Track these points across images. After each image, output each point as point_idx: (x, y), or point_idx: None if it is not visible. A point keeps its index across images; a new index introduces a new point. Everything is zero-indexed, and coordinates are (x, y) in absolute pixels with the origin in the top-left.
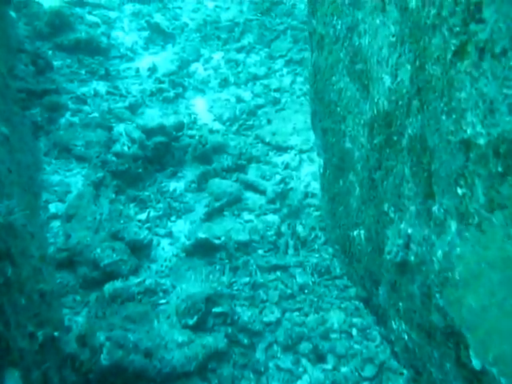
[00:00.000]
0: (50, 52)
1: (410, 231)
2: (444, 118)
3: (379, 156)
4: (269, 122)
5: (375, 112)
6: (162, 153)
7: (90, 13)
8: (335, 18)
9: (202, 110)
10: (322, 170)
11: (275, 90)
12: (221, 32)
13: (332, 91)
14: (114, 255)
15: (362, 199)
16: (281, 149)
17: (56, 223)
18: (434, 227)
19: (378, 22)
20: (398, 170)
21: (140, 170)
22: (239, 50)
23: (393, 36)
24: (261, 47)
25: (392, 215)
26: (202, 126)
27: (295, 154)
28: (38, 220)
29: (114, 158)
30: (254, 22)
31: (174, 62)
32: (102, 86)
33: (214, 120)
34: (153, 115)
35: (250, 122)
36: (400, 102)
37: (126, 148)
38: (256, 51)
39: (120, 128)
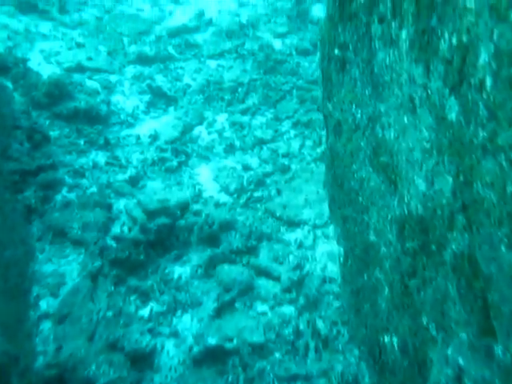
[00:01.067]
0: (48, 122)
1: (461, 362)
2: (504, 250)
3: (413, 262)
4: (279, 192)
5: (406, 212)
6: (165, 235)
7: (90, 78)
8: (354, 106)
9: (207, 180)
10: (342, 260)
11: (284, 156)
12: (224, 93)
13: (352, 179)
14: (112, 372)
15: (393, 303)
16: (293, 224)
17: (47, 324)
18: (497, 371)
19: (405, 120)
20: (439, 285)
21: (142, 257)
22: (244, 112)
23: (427, 142)
24: (266, 108)
25: (434, 333)
26: (208, 199)
27: (309, 231)
28: (25, 326)
29: (113, 243)
30: (258, 81)
31: (177, 128)
32: (101, 157)
33: (221, 191)
34: (155, 189)
35: (259, 193)
36: (439, 212)
37: (126, 229)
38: (261, 112)
39: (120, 205)
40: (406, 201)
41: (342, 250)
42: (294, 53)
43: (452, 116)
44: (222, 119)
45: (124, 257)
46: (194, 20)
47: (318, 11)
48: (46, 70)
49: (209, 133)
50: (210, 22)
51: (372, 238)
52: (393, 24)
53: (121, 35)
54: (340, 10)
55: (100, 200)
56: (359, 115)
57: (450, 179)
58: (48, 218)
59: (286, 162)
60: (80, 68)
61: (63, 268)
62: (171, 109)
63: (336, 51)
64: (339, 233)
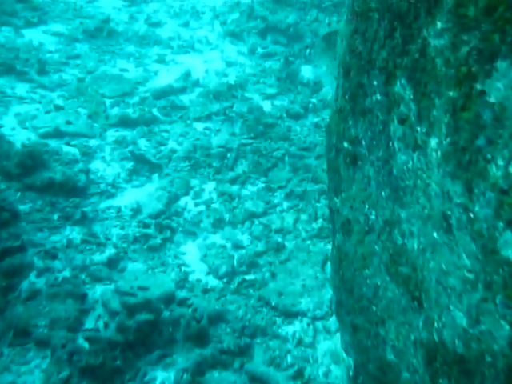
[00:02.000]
0: (19, 194)
1: None
2: None
3: None
4: (273, 276)
5: (436, 339)
6: (146, 333)
7: (68, 144)
8: (367, 206)
9: (194, 260)
10: (351, 373)
11: (277, 232)
12: (212, 159)
13: (364, 285)
14: None
15: None
16: (290, 315)
17: None
18: None
19: (436, 236)
20: None
21: (118, 362)
22: (233, 181)
23: (469, 271)
24: (257, 176)
25: None
26: (195, 283)
27: (308, 324)
28: None
29: (85, 345)
30: (248, 147)
31: (161, 199)
32: (76, 233)
33: (209, 273)
34: (136, 272)
35: (252, 277)
36: (488, 359)
37: (101, 324)
38: (252, 181)
39: (96, 293)
40: (436, 326)
41: (350, 361)
42: (284, 116)
43: (508, 253)
44: (209, 188)
45: (97, 363)
46: (181, 80)
47: (308, 72)
48: (20, 135)
49: (196, 204)
50: (196, 83)
51: (390, 356)
52: (418, 128)
53: (103, 97)
54: (351, 103)
55: (73, 289)
56: (373, 216)
57: (507, 327)
58: (10, 312)
59: (280, 239)
60: (58, 133)
61: (23, 379)
62: (155, 176)
63: (345, 144)
64: (347, 341)
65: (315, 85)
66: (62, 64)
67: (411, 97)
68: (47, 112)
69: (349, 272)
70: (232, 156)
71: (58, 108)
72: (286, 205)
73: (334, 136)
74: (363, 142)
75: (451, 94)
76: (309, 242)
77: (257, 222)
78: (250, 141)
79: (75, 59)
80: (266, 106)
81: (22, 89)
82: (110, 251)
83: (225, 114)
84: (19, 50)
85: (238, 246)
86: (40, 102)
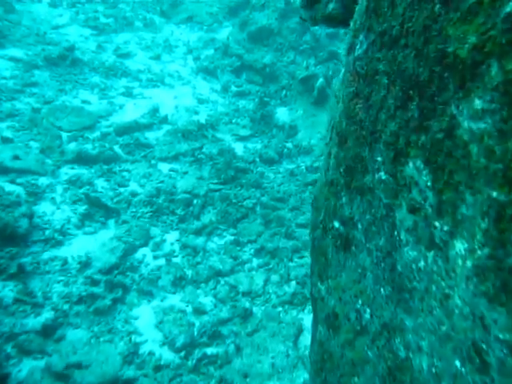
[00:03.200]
0: None
1: None
2: None
3: None
4: (238, 350)
5: None
6: None
7: (12, 182)
8: (360, 302)
9: (147, 327)
10: None
11: (244, 294)
12: (176, 205)
13: None
14: None
15: None
16: None
17: None
18: None
19: (459, 367)
20: None
21: None
22: (198, 232)
23: None
24: (225, 228)
25: None
26: (146, 358)
27: None
28: None
29: None
30: (217, 193)
31: (115, 250)
32: (9, 291)
33: (164, 344)
34: (76, 342)
35: (213, 350)
36: None
37: None
38: (219, 233)
39: (21, 373)
40: None
41: None
42: (257, 160)
43: None
44: (171, 239)
45: None
46: (147, 116)
47: (283, 115)
48: None
49: (155, 257)
50: (165, 120)
51: None
52: (437, 223)
53: (60, 130)
54: (347, 177)
55: None
56: (367, 316)
57: None
58: None
59: (248, 305)
60: (2, 169)
61: None
62: (111, 223)
63: (336, 224)
64: None
65: (291, 129)
66: (16, 92)
67: (429, 184)
68: None
69: (333, 377)
70: (198, 203)
71: (5, 140)
72: (255, 262)
73: (322, 212)
74: (359, 226)
75: (495, 194)
76: (280, 308)
77: (222, 282)
78: (219, 186)
79: (32, 87)
80: (239, 148)
81: None
82: (47, 314)
83: (193, 155)
84: None
85: (199, 310)
86: None
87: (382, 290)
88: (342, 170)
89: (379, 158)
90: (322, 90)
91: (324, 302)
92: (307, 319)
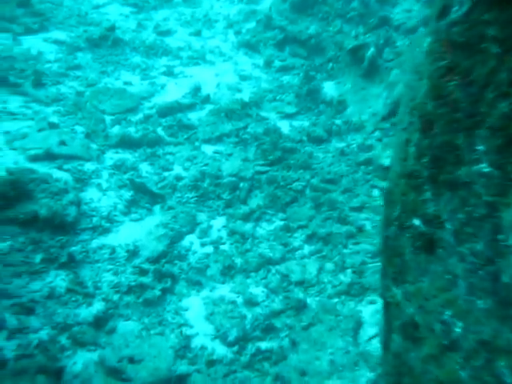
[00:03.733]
0: None
1: None
2: None
3: None
4: (293, 345)
5: None
6: None
7: (59, 168)
8: (450, 313)
9: (198, 319)
10: None
11: (297, 284)
12: (222, 189)
13: None
14: None
15: None
16: None
17: None
18: None
19: None
20: None
21: None
22: (246, 217)
23: None
24: (273, 212)
25: None
26: (198, 352)
27: None
28: None
29: None
30: (264, 176)
31: (162, 239)
32: (61, 280)
33: (216, 337)
34: (128, 335)
35: (267, 345)
36: None
37: None
38: (268, 218)
39: (76, 366)
40: None
41: None
42: (305, 139)
43: None
44: (218, 225)
45: None
46: (189, 96)
47: (331, 89)
48: (6, 158)
49: (202, 244)
50: (207, 99)
51: None
52: None
53: (103, 113)
54: (433, 169)
55: (46, 362)
56: (459, 329)
57: None
58: None
59: (301, 295)
60: (49, 155)
61: None
62: (157, 209)
63: (416, 222)
64: None
65: (339, 104)
66: (60, 75)
67: None
68: (40, 130)
69: None
70: (245, 187)
71: (52, 126)
72: (307, 249)
73: (398, 208)
74: (448, 226)
75: None
76: (336, 299)
77: (273, 271)
78: (266, 168)
79: (76, 70)
80: (284, 126)
81: (14, 103)
82: (98, 305)
83: (238, 135)
84: (15, 60)
85: (251, 302)
86: (33, 119)
87: (479, 302)
88: (425, 161)
89: (481, 147)
90: (372, 61)
91: (400, 308)
92: (366, 311)
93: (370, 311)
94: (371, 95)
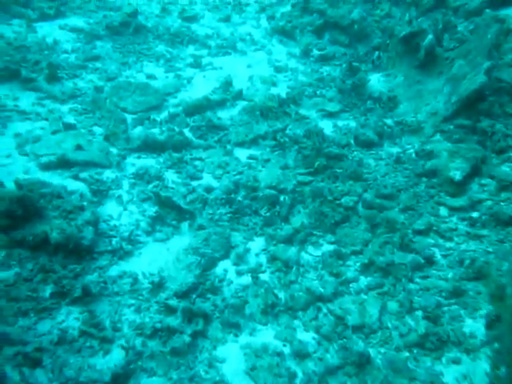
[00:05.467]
0: (4, 252)
1: None
2: None
3: None
4: None
5: None
6: None
7: (75, 177)
8: None
9: (236, 374)
10: None
11: (355, 329)
12: (260, 204)
13: None
14: None
15: None
16: None
17: None
18: None
19: None
20: None
21: None
22: (289, 239)
23: None
24: (321, 234)
25: None
26: None
27: None
28: None
29: None
30: (307, 188)
31: (192, 267)
32: (73, 320)
33: None
34: None
35: None
36: None
37: None
38: (314, 241)
39: None
40: None
41: None
42: (352, 142)
43: None
44: (256, 248)
45: None
46: (219, 91)
47: (378, 83)
48: (16, 166)
49: (238, 273)
50: (239, 95)
51: None
52: None
53: (124, 111)
54: None
55: None
56: None
57: None
58: None
59: (362, 345)
60: (64, 162)
61: None
62: (185, 226)
63: None
64: None
65: (389, 100)
66: (78, 68)
67: None
68: (54, 132)
69: None
70: (286, 201)
71: (68, 127)
72: (363, 282)
73: None
74: None
75: None
76: (406, 353)
77: (325, 310)
78: (309, 178)
79: (94, 61)
80: (327, 127)
81: (26, 100)
82: (117, 354)
83: (275, 138)
84: (29, 50)
85: (300, 353)
86: (47, 119)
87: None
88: None
89: None
90: (430, 50)
91: None
92: (449, 374)
93: (454, 374)
94: (428, 90)
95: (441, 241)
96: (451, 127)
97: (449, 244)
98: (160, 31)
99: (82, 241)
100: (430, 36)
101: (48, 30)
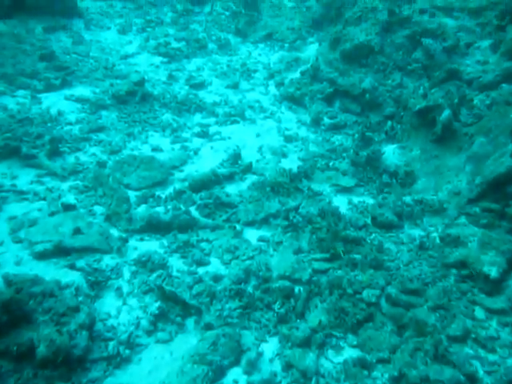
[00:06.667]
0: None
1: None
2: None
3: None
4: None
5: None
6: None
7: (72, 266)
8: None
9: None
10: None
11: None
12: (272, 296)
13: None
14: None
15: None
16: None
17: None
18: None
19: None
20: None
21: None
22: (306, 343)
23: None
24: (341, 334)
25: None
26: None
27: None
28: None
29: None
30: (324, 277)
31: (199, 382)
32: None
33: None
34: None
35: None
36: None
37: None
38: (334, 343)
39: None
40: None
41: None
42: (369, 222)
43: None
44: (270, 352)
45: None
46: (228, 164)
47: (393, 155)
48: (8, 255)
49: None
50: (248, 168)
51: None
52: None
53: (127, 188)
54: None
55: None
56: None
57: None
58: None
59: None
60: (60, 250)
61: None
62: (190, 324)
63: None
64: None
65: (407, 175)
66: (81, 140)
67: None
68: (52, 214)
69: None
70: (302, 294)
71: (66, 207)
72: None
73: None
74: None
75: None
76: None
77: None
78: (326, 266)
79: (99, 132)
80: (342, 204)
81: (25, 178)
82: None
83: (287, 217)
84: (32, 122)
85: None
86: (45, 199)
87: None
88: None
89: None
90: (448, 125)
91: None
92: None
93: None
94: (448, 167)
95: (482, 352)
96: (477, 210)
97: (492, 357)
98: (166, 99)
99: (73, 350)
100: (448, 111)
101: (53, 101)
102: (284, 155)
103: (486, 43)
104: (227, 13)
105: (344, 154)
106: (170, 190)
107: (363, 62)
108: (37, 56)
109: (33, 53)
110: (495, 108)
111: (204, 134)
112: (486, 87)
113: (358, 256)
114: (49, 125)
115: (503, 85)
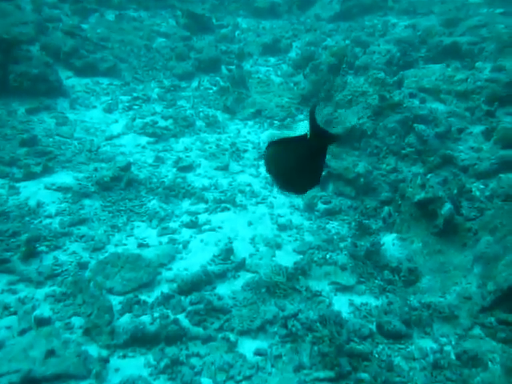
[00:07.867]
0: None
1: None
2: None
3: None
4: None
5: None
6: None
7: None
8: None
9: None
10: None
11: None
12: None
13: None
14: None
15: None
16: None
17: None
18: None
19: None
20: None
21: None
22: None
23: None
24: None
25: None
26: None
27: None
28: None
29: None
30: None
31: None
32: None
33: None
34: None
35: None
36: None
37: None
38: None
39: None
40: None
41: None
42: (375, 331)
43: None
44: None
45: None
46: (219, 259)
47: (393, 247)
48: None
49: None
50: (241, 265)
51: None
52: None
53: (109, 293)
54: None
55: None
56: None
57: None
58: None
59: None
60: (29, 381)
61: None
62: None
63: None
64: None
65: (410, 273)
66: (60, 236)
67: None
68: (22, 332)
69: None
70: None
71: (40, 323)
72: None
73: None
74: None
75: None
76: None
77: None
78: None
79: (80, 225)
80: (343, 306)
81: None
82: None
83: (285, 325)
84: (8, 217)
85: None
86: (16, 313)
87: None
88: None
89: None
90: (450, 219)
91: None
92: None
93: None
94: (453, 265)
95: None
96: (492, 320)
97: None
98: (153, 184)
99: None
100: (449, 205)
101: (32, 190)
102: (278, 246)
103: (477, 129)
104: (215, 88)
105: (341, 245)
106: (157, 294)
107: (356, 145)
108: (17, 141)
109: (13, 137)
110: (496, 202)
111: (193, 224)
112: (481, 175)
113: (365, 375)
114: (26, 219)
115: (501, 175)
